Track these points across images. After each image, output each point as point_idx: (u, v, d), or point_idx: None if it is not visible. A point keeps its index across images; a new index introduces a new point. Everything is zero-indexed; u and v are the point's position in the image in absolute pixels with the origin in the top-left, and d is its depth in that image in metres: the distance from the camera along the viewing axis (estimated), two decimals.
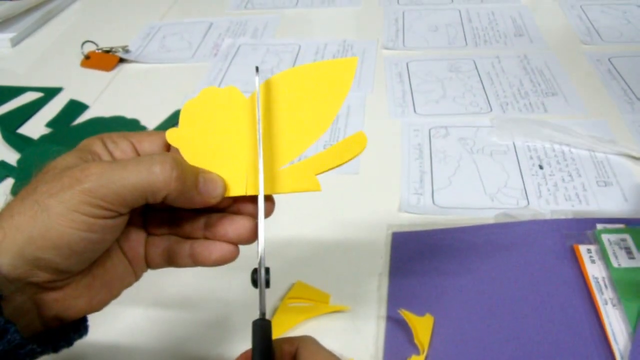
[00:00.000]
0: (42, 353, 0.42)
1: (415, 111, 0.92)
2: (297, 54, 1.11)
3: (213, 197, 0.45)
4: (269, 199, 0.46)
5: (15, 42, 1.25)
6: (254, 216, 0.46)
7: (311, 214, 0.73)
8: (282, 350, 0.44)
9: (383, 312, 0.60)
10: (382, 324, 0.59)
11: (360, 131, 0.46)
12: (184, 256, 0.47)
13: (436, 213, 0.73)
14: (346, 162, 0.45)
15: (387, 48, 1.12)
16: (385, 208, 0.74)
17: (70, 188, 0.40)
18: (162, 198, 0.42)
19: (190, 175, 0.43)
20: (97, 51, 1.15)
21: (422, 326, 0.57)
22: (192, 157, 0.46)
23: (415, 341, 0.56)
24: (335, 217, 0.73)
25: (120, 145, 0.46)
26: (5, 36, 1.25)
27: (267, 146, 0.46)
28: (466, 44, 1.12)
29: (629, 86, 0.95)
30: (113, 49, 1.15)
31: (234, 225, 0.46)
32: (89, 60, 1.14)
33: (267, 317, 0.60)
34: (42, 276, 0.40)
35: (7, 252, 0.39)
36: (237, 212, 0.47)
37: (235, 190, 0.46)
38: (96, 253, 0.43)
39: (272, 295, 0.63)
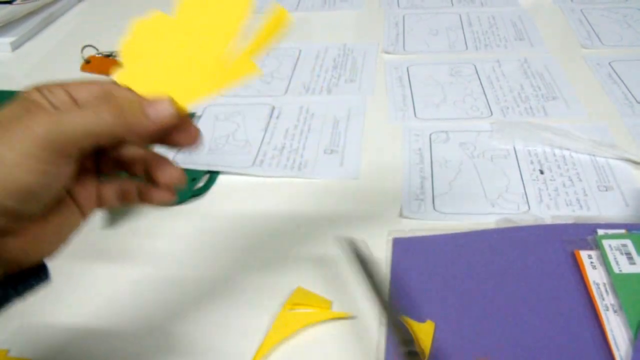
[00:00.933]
0: (5, 298, 0.44)
1: (415, 115, 0.92)
2: (298, 58, 1.11)
3: (165, 117, 0.46)
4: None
5: (15, 46, 1.25)
6: (183, 145, 0.48)
7: (311, 219, 0.73)
8: None
9: (384, 318, 0.60)
10: (383, 331, 0.59)
11: (276, 5, 0.47)
12: (133, 196, 0.49)
13: (437, 218, 0.73)
14: (273, 38, 0.47)
15: (387, 52, 1.12)
16: (385, 213, 0.74)
17: (21, 134, 0.40)
18: (112, 139, 0.44)
19: (137, 106, 0.45)
20: (97, 55, 1.15)
21: (423, 332, 0.57)
22: (144, 89, 0.47)
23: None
24: (335, 223, 0.73)
25: (57, 94, 0.46)
26: (5, 40, 1.24)
27: (200, 50, 0.49)
28: (466, 47, 1.12)
29: (629, 90, 0.95)
30: (113, 54, 1.15)
31: (165, 174, 0.48)
32: (89, 65, 1.14)
33: (266, 323, 0.60)
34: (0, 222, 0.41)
35: None
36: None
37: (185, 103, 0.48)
38: (51, 197, 0.44)
39: (271, 301, 0.63)
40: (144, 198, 0.49)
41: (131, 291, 0.66)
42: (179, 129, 0.47)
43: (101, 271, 0.69)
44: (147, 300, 0.65)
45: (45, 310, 0.64)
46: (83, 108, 0.44)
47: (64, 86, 0.47)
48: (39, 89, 0.46)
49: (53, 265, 0.47)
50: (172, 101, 0.46)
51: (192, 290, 0.66)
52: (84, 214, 0.48)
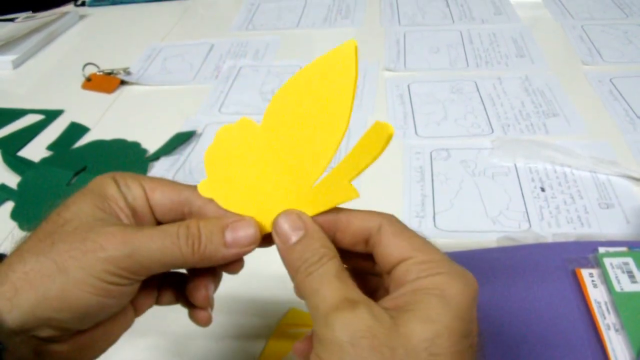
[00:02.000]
0: None
1: (416, 133, 0.92)
2: None
3: (244, 246, 0.44)
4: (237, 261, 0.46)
5: (16, 64, 1.25)
6: (227, 271, 0.47)
7: None
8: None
9: None
10: None
11: (377, 121, 0.41)
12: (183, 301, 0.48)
13: (438, 236, 0.72)
14: (375, 158, 0.41)
15: (388, 69, 1.12)
16: None
17: (94, 254, 0.39)
18: (184, 266, 0.44)
19: (217, 238, 0.43)
20: (98, 73, 1.15)
21: None
22: (227, 203, 0.45)
23: None
24: None
25: (133, 190, 0.45)
26: (7, 58, 1.25)
27: (291, 169, 0.44)
28: (467, 65, 1.12)
29: (630, 106, 0.95)
30: (114, 71, 1.15)
31: (195, 296, 0.47)
32: (90, 83, 1.14)
33: (260, 344, 0.60)
34: (48, 332, 0.40)
35: (19, 308, 0.38)
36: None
37: (263, 230, 0.45)
38: (110, 314, 0.43)
39: (265, 322, 0.62)
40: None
41: None
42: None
43: None
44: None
45: None
46: (161, 233, 0.42)
47: (139, 179, 0.46)
48: (115, 178, 0.45)
49: None
50: (255, 225, 0.44)
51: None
52: (138, 312, 0.47)
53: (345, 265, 0.41)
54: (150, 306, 0.47)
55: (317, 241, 0.41)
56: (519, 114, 0.95)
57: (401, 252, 0.40)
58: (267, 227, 0.44)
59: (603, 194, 0.77)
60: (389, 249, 0.41)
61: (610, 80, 1.03)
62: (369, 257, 0.43)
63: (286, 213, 0.43)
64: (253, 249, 0.44)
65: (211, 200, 0.45)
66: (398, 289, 0.39)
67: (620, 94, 0.99)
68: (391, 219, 0.43)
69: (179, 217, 0.46)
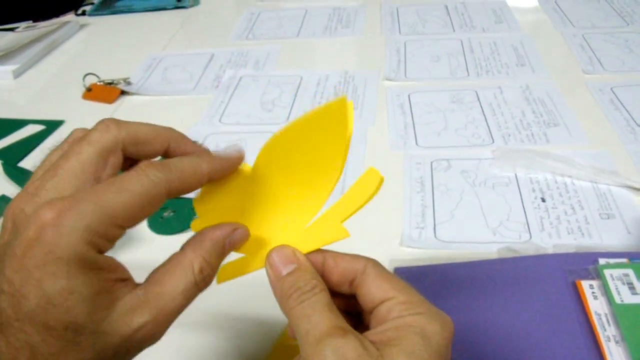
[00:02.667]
0: None
1: (417, 143, 0.91)
2: (299, 86, 1.11)
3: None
4: None
5: (17, 74, 1.25)
6: None
7: None
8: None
9: None
10: None
11: (370, 167, 0.44)
12: None
13: (438, 247, 0.72)
14: (365, 202, 0.45)
15: (389, 79, 1.11)
16: (386, 242, 0.74)
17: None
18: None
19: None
20: (98, 83, 1.15)
21: None
22: None
23: None
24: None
25: (116, 236, 0.41)
26: (8, 68, 1.25)
27: (285, 210, 0.47)
28: (468, 74, 1.12)
29: (631, 116, 0.95)
30: (115, 81, 1.15)
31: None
32: (90, 93, 1.14)
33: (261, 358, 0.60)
34: None
35: None
36: None
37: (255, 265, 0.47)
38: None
39: (265, 336, 0.62)
40: None
41: None
42: None
43: None
44: None
45: None
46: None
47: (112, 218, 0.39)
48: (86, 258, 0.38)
49: None
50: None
51: (185, 323, 0.65)
52: None
53: None
54: None
55: (310, 274, 0.44)
56: (520, 123, 0.95)
57: (384, 292, 0.43)
58: (259, 263, 0.47)
59: (604, 204, 0.77)
60: (373, 289, 0.44)
61: (611, 89, 1.03)
62: (350, 297, 0.45)
63: (280, 247, 0.45)
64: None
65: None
66: (381, 325, 0.42)
67: (621, 103, 0.99)
68: (375, 262, 0.46)
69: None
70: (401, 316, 0.41)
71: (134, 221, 0.40)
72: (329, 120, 0.43)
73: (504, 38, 1.25)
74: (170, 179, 0.41)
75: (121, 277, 0.40)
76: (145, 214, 0.41)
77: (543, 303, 0.62)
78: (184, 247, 0.44)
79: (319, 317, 0.40)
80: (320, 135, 0.44)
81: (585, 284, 0.63)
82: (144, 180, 0.40)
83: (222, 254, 0.45)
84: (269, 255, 0.45)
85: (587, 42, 1.21)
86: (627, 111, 0.96)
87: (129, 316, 0.39)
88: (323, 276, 0.45)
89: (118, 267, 0.41)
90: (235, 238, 0.45)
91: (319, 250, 0.46)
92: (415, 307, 0.42)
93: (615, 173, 0.81)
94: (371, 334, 0.41)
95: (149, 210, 0.41)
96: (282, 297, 0.43)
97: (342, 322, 0.41)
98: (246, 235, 0.46)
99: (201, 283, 0.42)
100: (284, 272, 0.44)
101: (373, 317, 0.43)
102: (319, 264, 0.45)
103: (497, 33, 1.28)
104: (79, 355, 0.37)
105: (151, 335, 0.40)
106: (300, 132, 0.45)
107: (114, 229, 0.39)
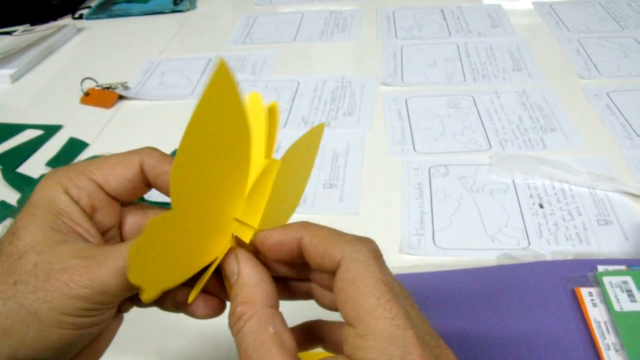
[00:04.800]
0: None
1: (414, 149, 0.92)
2: (296, 90, 1.11)
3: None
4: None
5: (15, 78, 1.25)
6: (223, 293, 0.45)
7: None
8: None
9: None
10: None
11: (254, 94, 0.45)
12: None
13: (437, 254, 0.73)
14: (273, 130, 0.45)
15: (386, 84, 1.12)
16: (386, 249, 0.73)
17: (61, 293, 0.38)
18: None
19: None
20: (96, 88, 1.15)
21: None
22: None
23: None
24: None
25: (85, 190, 0.43)
26: (6, 72, 1.25)
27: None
28: (465, 79, 1.12)
29: (627, 121, 0.96)
30: (112, 86, 1.15)
31: (203, 308, 0.45)
32: (88, 97, 1.14)
33: None
34: None
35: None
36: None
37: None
38: (96, 334, 0.42)
39: None
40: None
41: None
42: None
43: None
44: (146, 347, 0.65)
45: None
46: (114, 261, 0.40)
47: (88, 173, 0.44)
48: (62, 184, 0.43)
49: None
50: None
51: (192, 335, 0.66)
52: (124, 311, 0.46)
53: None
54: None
55: (244, 290, 0.40)
56: (517, 128, 0.95)
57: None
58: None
59: (601, 210, 0.77)
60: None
61: (608, 94, 1.04)
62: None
63: (228, 253, 0.42)
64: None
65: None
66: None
67: (618, 109, 0.99)
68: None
69: (143, 189, 0.46)
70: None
71: (108, 184, 0.44)
72: (309, 143, 0.45)
73: (500, 43, 1.26)
74: (146, 152, 0.45)
75: (80, 233, 0.42)
76: (119, 181, 0.44)
77: (543, 310, 0.62)
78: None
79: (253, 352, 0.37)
80: (301, 157, 0.45)
81: (584, 292, 0.63)
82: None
83: None
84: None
85: (582, 46, 1.21)
86: (624, 116, 0.97)
87: (67, 259, 0.40)
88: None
89: (82, 224, 0.42)
90: None
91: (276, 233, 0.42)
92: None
93: (613, 179, 0.81)
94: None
95: (122, 172, 0.44)
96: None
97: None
98: None
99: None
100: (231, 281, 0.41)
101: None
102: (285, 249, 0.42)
103: (493, 38, 1.28)
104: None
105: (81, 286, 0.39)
106: (292, 156, 0.44)
107: (86, 181, 0.43)
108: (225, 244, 0.43)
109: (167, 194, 0.41)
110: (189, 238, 0.40)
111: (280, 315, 0.39)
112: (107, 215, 0.45)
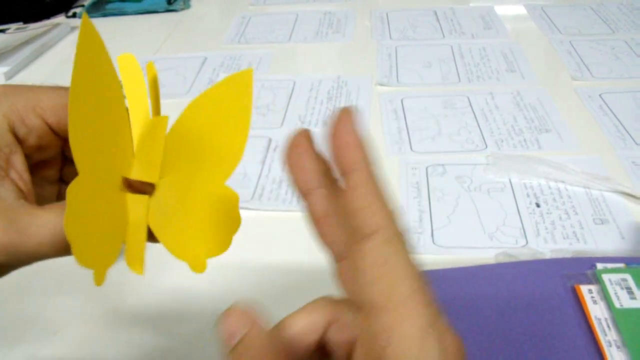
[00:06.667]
0: None
1: (411, 149, 0.93)
2: (292, 90, 1.12)
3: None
4: None
5: (9, 76, 1.25)
6: None
7: (309, 259, 0.74)
8: None
9: None
10: None
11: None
12: None
13: (436, 252, 0.73)
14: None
15: (381, 84, 1.13)
16: None
17: None
18: None
19: None
20: None
21: None
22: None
23: None
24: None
25: (35, 131, 0.41)
26: (0, 70, 1.25)
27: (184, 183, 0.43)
28: (459, 80, 1.13)
29: (620, 122, 0.97)
30: None
31: None
32: None
33: None
34: None
35: None
36: None
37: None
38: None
39: None
40: None
41: (130, 322, 0.67)
42: None
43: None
44: (149, 331, 0.65)
45: None
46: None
47: (37, 110, 0.42)
48: (11, 124, 0.41)
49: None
50: None
51: (193, 330, 0.66)
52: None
53: None
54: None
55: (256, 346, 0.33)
56: (512, 129, 0.96)
57: None
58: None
59: (597, 209, 0.78)
60: None
61: (600, 95, 1.05)
62: None
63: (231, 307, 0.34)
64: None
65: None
66: None
67: (610, 110, 1.00)
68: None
69: None
70: None
71: (55, 117, 0.42)
72: (232, 91, 0.42)
73: (493, 44, 1.27)
74: None
75: (13, 179, 0.39)
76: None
77: (543, 308, 0.63)
78: None
79: None
80: (224, 106, 0.43)
81: (584, 289, 0.64)
82: None
83: None
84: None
85: (574, 48, 1.22)
86: (616, 117, 0.98)
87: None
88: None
89: (18, 168, 0.40)
90: None
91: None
92: None
93: (608, 179, 0.82)
94: None
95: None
96: None
97: None
98: None
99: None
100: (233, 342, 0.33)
101: None
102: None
103: (486, 39, 1.29)
104: None
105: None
106: (204, 104, 0.43)
107: (35, 118, 0.41)
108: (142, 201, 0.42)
109: None
110: (107, 203, 0.39)
111: None
112: (50, 156, 0.43)
